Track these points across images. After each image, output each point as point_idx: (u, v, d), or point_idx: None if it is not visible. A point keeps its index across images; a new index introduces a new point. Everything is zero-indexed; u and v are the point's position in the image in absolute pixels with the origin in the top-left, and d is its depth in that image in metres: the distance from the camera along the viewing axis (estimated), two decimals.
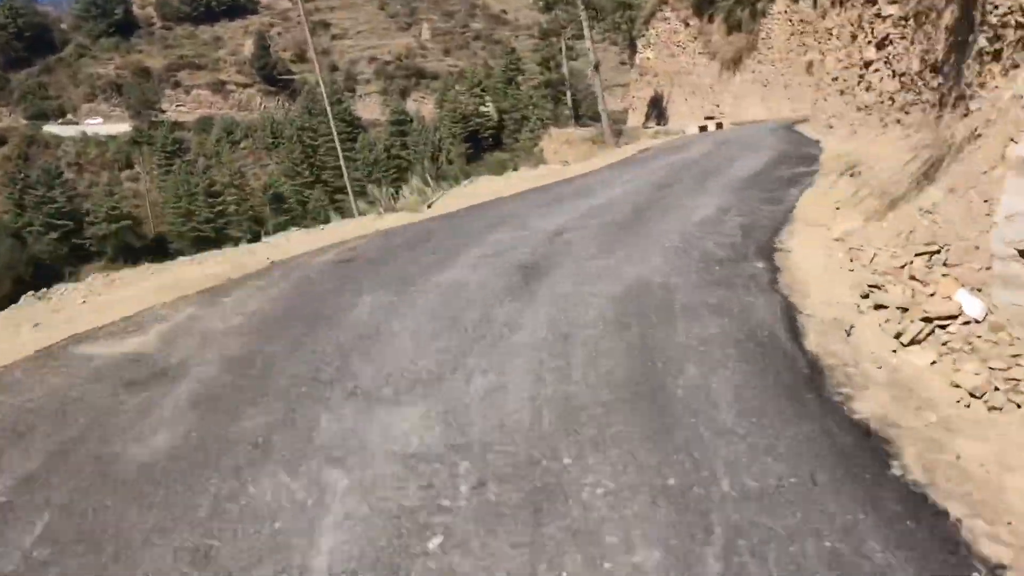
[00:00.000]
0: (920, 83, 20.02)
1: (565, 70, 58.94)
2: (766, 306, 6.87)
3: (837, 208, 10.51)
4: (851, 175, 10.42)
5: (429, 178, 23.90)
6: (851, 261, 7.76)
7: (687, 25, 50.28)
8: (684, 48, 50.75)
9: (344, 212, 35.54)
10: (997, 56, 12.22)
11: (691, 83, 49.74)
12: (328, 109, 30.02)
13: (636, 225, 10.52)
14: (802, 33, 39.96)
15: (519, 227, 11.26)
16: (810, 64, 39.67)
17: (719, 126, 38.57)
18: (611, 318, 6.79)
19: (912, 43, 20.95)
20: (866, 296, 6.89)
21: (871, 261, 7.48)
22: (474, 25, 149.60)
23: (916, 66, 20.34)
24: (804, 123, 30.72)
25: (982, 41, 13.13)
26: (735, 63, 45.22)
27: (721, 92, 46.50)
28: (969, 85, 13.97)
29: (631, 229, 10.27)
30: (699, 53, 48.87)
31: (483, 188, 19.08)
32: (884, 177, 9.23)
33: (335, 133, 27.00)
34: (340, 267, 9.72)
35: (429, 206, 18.91)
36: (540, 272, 8.45)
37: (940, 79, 18.24)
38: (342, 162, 26.11)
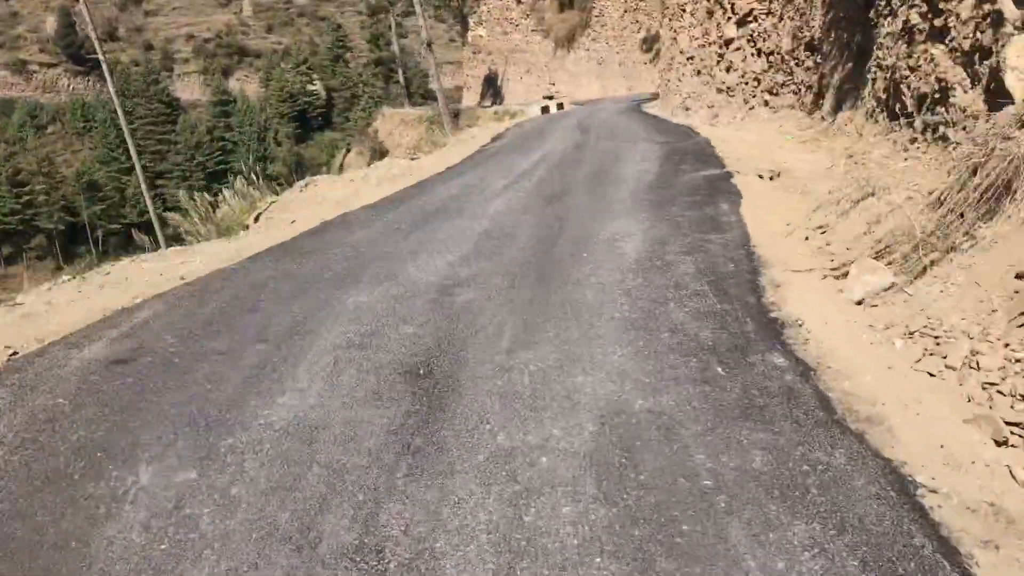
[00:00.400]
0: (792, 63, 17.78)
1: (395, 47, 54.61)
2: (854, 474, 3.75)
3: (806, 239, 7.65)
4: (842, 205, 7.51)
5: (255, 176, 19.60)
6: (924, 354, 4.80)
7: (519, 2, 47.15)
8: (517, 25, 47.65)
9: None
10: (940, 34, 9.71)
11: (526, 61, 46.81)
12: (113, 94, 24.31)
13: (554, 276, 7.15)
14: (636, 10, 37.88)
15: (386, 276, 7.63)
16: (644, 41, 37.67)
17: (560, 106, 35.87)
18: (606, 532, 3.44)
19: (781, 19, 18.64)
20: (1004, 442, 3.94)
21: (968, 362, 4.54)
22: (298, 1, 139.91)
23: (787, 44, 18.03)
24: (652, 103, 28.45)
25: (914, 17, 10.67)
26: (569, 41, 42.71)
27: (556, 70, 43.91)
28: (887, 68, 11.55)
29: (551, 284, 6.91)
30: (532, 31, 45.98)
31: (323, 193, 15.13)
32: (907, 206, 6.31)
33: (123, 123, 21.51)
34: (112, 376, 5.75)
35: (256, 219, 14.81)
36: (441, 389, 4.96)
37: (818, 58, 15.99)
38: (140, 173, 20.80)
